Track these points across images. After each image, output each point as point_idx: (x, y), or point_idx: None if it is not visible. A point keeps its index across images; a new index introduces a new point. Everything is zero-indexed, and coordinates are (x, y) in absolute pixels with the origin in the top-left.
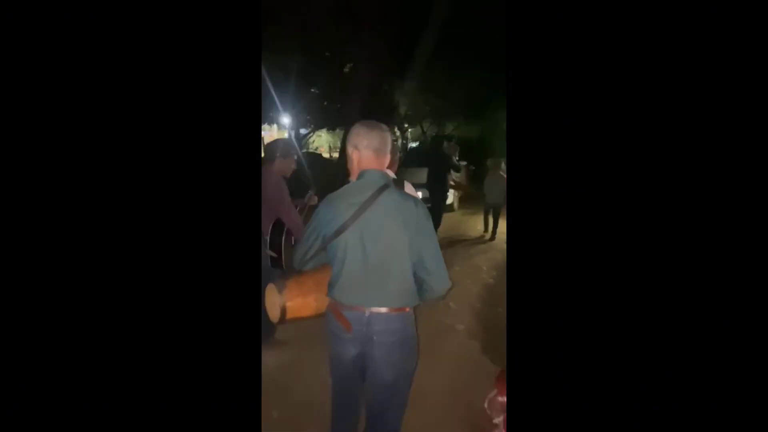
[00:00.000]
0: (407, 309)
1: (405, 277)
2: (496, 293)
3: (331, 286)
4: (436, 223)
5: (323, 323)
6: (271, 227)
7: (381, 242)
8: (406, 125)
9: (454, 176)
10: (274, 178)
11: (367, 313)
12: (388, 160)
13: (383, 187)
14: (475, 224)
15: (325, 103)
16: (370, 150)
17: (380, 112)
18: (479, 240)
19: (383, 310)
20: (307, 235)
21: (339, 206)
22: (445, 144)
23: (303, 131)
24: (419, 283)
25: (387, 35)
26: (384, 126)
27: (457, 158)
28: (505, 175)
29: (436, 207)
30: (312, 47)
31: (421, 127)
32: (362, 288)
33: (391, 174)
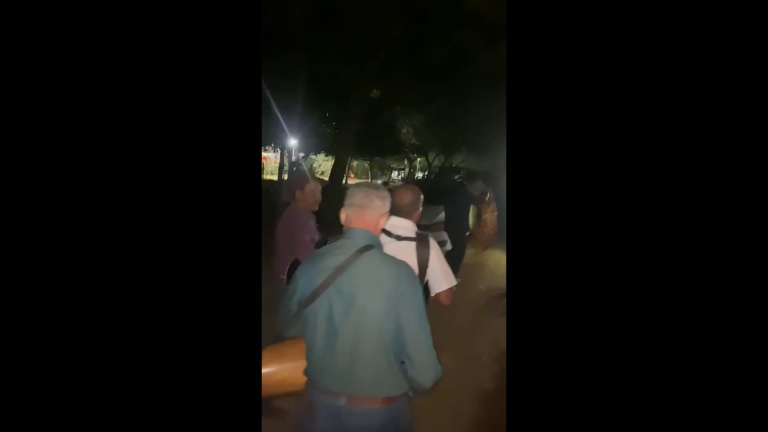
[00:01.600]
0: (394, 400)
1: (384, 360)
2: None
3: (307, 359)
4: (455, 267)
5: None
6: (288, 269)
7: (355, 317)
8: (414, 155)
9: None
10: (300, 214)
11: (342, 402)
12: (377, 217)
13: (365, 248)
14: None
15: (324, 126)
16: (354, 207)
17: (383, 140)
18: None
19: (362, 400)
20: (287, 296)
21: (315, 268)
22: (461, 176)
23: (302, 155)
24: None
25: (392, 64)
26: (377, 184)
27: (486, 194)
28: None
29: (456, 252)
30: (316, 72)
31: (427, 158)
32: (334, 370)
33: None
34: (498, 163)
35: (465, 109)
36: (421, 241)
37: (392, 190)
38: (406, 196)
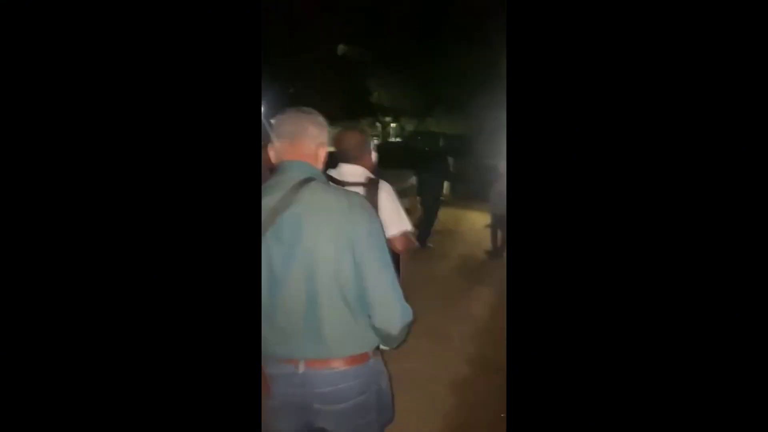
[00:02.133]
0: (365, 358)
1: (344, 312)
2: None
3: None
4: (425, 233)
5: None
6: None
7: (301, 263)
8: (387, 119)
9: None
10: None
11: (300, 369)
12: (314, 147)
13: (305, 181)
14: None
15: (291, 90)
16: (283, 137)
17: (353, 103)
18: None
19: (325, 362)
20: None
21: None
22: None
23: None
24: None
25: (363, 22)
26: (307, 109)
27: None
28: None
29: (428, 219)
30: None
31: (400, 123)
32: (286, 332)
33: (363, 173)
34: (475, 125)
35: (439, 69)
36: (371, 185)
37: (335, 136)
38: (351, 138)
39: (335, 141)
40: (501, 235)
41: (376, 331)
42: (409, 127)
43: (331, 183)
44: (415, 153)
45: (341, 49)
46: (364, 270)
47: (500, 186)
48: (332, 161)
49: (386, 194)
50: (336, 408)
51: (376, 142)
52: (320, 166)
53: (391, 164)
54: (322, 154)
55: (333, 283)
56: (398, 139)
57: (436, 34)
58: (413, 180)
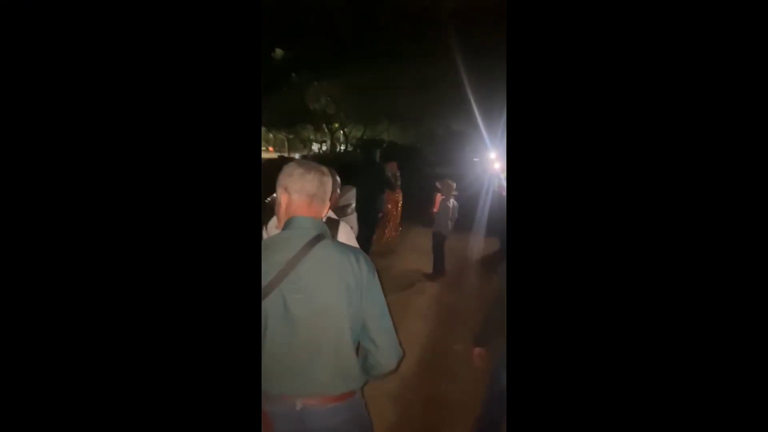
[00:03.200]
0: (354, 393)
1: (345, 354)
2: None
3: None
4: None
5: None
6: None
7: (314, 310)
8: (334, 126)
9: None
10: None
11: (298, 406)
12: (324, 209)
13: (316, 239)
14: (411, 258)
15: None
16: (303, 195)
17: (293, 110)
18: (422, 278)
19: (321, 400)
20: None
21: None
22: (378, 154)
23: None
24: (364, 356)
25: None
26: (325, 169)
27: (397, 179)
28: (457, 203)
29: (365, 239)
30: None
31: (343, 131)
32: (289, 371)
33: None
34: (422, 134)
35: (387, 76)
36: (331, 225)
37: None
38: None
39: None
40: (442, 255)
41: (375, 367)
42: (354, 134)
43: (338, 242)
44: (356, 165)
45: (278, 53)
46: (367, 317)
47: (446, 203)
48: None
49: (345, 235)
50: None
51: (324, 148)
52: (324, 217)
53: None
54: (327, 207)
55: (338, 328)
56: (348, 147)
57: (385, 39)
58: (351, 196)
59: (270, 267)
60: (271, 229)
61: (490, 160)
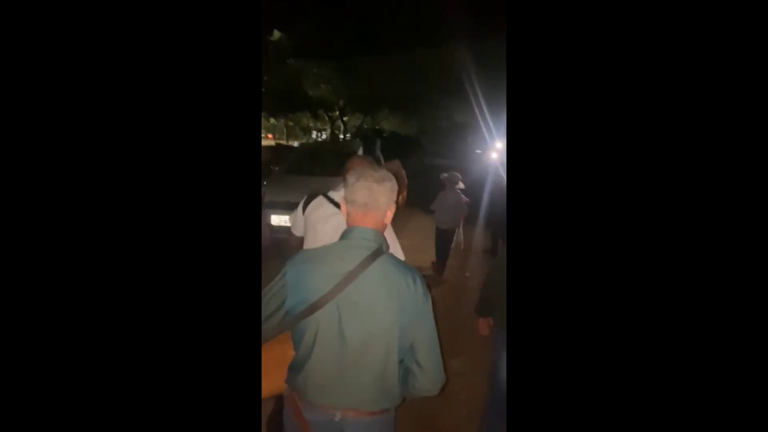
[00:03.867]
0: (389, 410)
1: (391, 372)
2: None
3: (292, 372)
4: None
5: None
6: None
7: (366, 327)
8: (335, 114)
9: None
10: None
11: (337, 417)
12: (384, 215)
13: (375, 254)
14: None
15: None
16: (355, 206)
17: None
18: (427, 274)
19: (359, 413)
20: (266, 299)
21: (315, 272)
22: (378, 146)
23: None
24: (406, 376)
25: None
26: (384, 173)
27: (403, 179)
28: (464, 196)
29: None
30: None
31: (341, 119)
32: (334, 383)
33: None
34: (425, 126)
35: (388, 64)
36: None
37: (347, 162)
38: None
39: (347, 167)
40: (443, 251)
41: (419, 389)
42: (353, 123)
43: (396, 258)
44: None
45: (276, 35)
46: (416, 340)
47: (452, 197)
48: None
49: (389, 236)
50: None
51: (324, 136)
52: (385, 228)
53: (325, 167)
54: (389, 216)
55: (387, 348)
56: (347, 135)
57: (389, 29)
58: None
59: (328, 277)
60: (295, 222)
61: (492, 152)
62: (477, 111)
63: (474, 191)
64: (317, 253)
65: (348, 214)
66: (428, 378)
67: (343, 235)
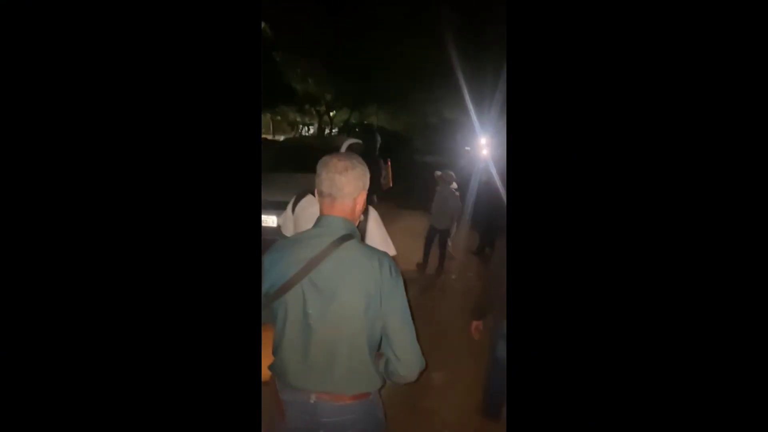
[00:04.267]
0: (368, 394)
1: (359, 357)
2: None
3: (273, 355)
4: None
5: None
6: None
7: (330, 310)
8: (321, 109)
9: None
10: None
11: (312, 399)
12: (352, 202)
13: (343, 239)
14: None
15: None
16: (323, 196)
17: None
18: (417, 274)
19: (334, 396)
20: None
21: (286, 257)
22: (378, 142)
23: None
24: (385, 362)
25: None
26: (348, 162)
27: (388, 176)
28: (458, 193)
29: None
30: None
31: (327, 112)
32: (306, 366)
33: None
34: (414, 121)
35: (380, 60)
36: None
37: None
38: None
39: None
40: (443, 246)
41: (394, 375)
42: (339, 118)
43: (364, 244)
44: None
45: (264, 29)
46: (387, 325)
47: (447, 197)
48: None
49: (374, 220)
50: None
51: (311, 131)
52: (357, 214)
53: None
54: (360, 203)
55: (357, 331)
56: (335, 131)
57: (378, 23)
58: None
59: (294, 263)
60: (285, 222)
61: (482, 148)
62: (470, 107)
63: (461, 189)
64: (290, 241)
65: (320, 204)
66: (403, 365)
67: (315, 224)
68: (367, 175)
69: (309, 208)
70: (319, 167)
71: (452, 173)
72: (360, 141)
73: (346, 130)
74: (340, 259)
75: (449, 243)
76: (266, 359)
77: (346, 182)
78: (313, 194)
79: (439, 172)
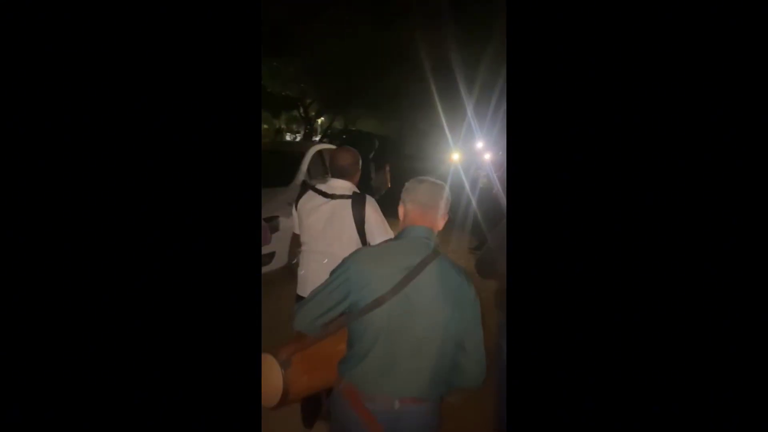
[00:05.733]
0: (440, 399)
1: (444, 363)
2: None
3: (346, 365)
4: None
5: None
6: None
7: (424, 322)
8: (306, 113)
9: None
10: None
11: (396, 406)
12: (438, 218)
13: (434, 253)
14: None
15: None
16: (416, 204)
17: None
18: None
19: (416, 401)
20: (326, 292)
21: (377, 270)
22: (375, 145)
23: None
24: (454, 369)
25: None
26: (439, 181)
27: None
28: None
29: None
30: None
31: (305, 113)
32: (393, 373)
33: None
34: (404, 127)
35: (367, 62)
36: (358, 199)
37: (331, 152)
38: (346, 158)
39: (330, 157)
40: None
41: (465, 383)
42: (335, 124)
43: (450, 259)
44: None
45: None
46: (465, 338)
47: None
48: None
49: (372, 208)
50: None
51: (297, 138)
52: (438, 230)
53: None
54: (442, 222)
55: (442, 341)
56: (320, 137)
57: (365, 25)
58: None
59: (389, 275)
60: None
61: (471, 154)
62: (468, 111)
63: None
64: (377, 251)
65: (405, 215)
66: (473, 372)
67: (402, 234)
68: (448, 206)
69: (309, 202)
70: (411, 181)
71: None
72: (334, 147)
73: (333, 135)
74: (434, 274)
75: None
76: (320, 370)
77: (441, 197)
78: (315, 190)
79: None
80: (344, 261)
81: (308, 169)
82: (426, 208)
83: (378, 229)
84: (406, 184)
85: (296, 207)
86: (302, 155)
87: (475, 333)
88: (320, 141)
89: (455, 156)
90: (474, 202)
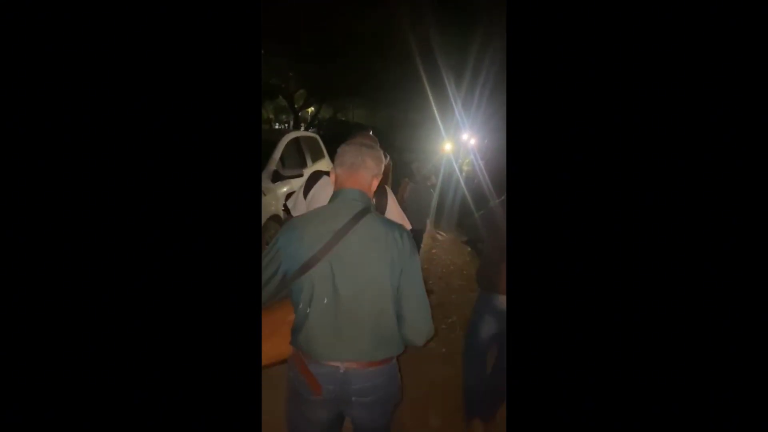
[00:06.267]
0: (392, 359)
1: (388, 323)
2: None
3: (294, 332)
4: None
5: (284, 369)
6: None
7: (359, 281)
8: (293, 102)
9: None
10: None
11: (342, 369)
12: (370, 178)
13: (362, 212)
14: None
15: None
16: (344, 167)
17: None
18: None
19: (362, 364)
20: (264, 265)
21: (306, 234)
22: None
23: None
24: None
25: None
26: (372, 142)
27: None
28: (435, 192)
29: None
30: None
31: (293, 107)
32: (335, 338)
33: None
34: (394, 118)
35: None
36: (379, 190)
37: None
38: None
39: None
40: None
41: (409, 339)
42: (324, 114)
43: (382, 216)
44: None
45: None
46: (404, 294)
47: (422, 194)
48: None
49: (391, 199)
50: (367, 399)
51: (286, 127)
52: (371, 193)
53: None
54: (375, 183)
55: (384, 300)
56: (311, 126)
57: (357, 17)
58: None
59: (317, 237)
60: (296, 205)
61: (462, 146)
62: (453, 104)
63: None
64: (306, 217)
65: (336, 179)
66: (414, 331)
67: (332, 198)
68: (382, 166)
69: (324, 189)
70: (345, 144)
71: (430, 168)
72: (312, 135)
73: (321, 124)
74: (363, 232)
75: (422, 244)
76: (270, 339)
77: (369, 156)
78: (328, 175)
79: (416, 163)
80: (278, 233)
81: (281, 158)
82: (354, 169)
83: (396, 216)
84: (338, 149)
85: (305, 194)
86: (274, 144)
87: (414, 288)
88: (306, 130)
89: (447, 146)
90: (465, 190)
